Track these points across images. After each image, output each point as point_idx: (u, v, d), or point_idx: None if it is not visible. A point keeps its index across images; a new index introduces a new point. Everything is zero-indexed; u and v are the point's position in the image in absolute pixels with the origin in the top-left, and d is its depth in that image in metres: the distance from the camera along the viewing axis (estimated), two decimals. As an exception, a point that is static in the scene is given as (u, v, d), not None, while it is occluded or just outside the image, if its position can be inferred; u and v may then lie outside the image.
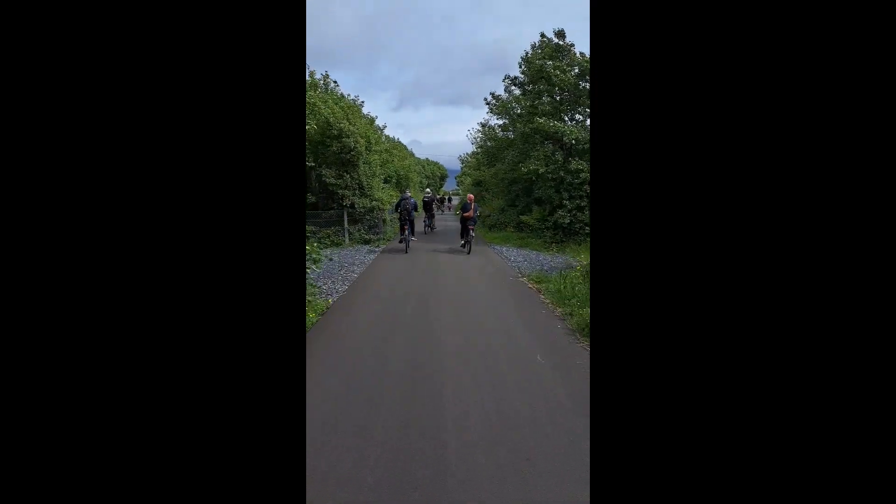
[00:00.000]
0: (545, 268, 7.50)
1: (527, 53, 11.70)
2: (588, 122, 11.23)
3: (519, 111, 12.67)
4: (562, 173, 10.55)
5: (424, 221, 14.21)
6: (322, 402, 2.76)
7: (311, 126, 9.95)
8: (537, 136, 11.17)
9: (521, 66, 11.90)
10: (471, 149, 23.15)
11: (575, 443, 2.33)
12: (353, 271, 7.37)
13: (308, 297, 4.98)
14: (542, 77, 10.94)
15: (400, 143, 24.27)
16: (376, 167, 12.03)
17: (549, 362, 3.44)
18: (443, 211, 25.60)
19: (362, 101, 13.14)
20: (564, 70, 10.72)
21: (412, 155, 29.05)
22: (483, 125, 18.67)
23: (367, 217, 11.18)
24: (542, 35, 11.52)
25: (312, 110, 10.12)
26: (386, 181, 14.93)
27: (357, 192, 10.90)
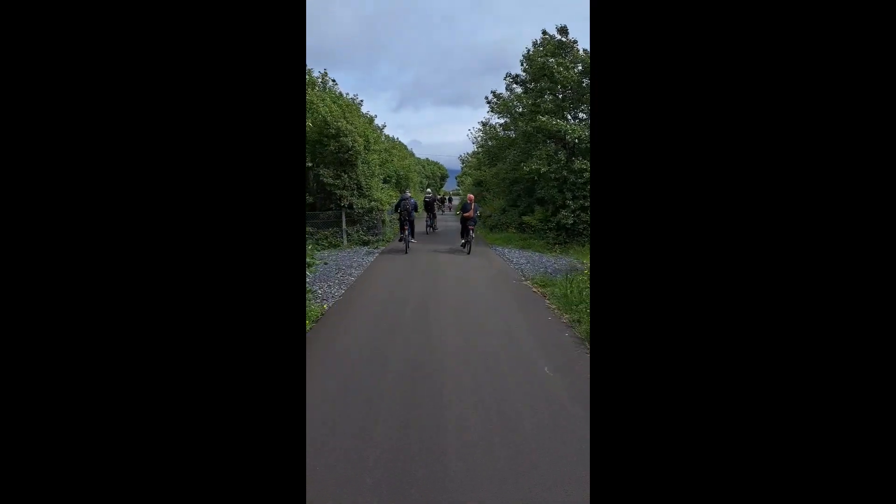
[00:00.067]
0: (549, 270, 7.31)
1: (528, 51, 11.51)
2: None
3: (521, 109, 12.48)
4: (565, 173, 10.40)
5: (426, 222, 14.23)
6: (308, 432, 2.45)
7: (308, 125, 9.72)
8: (539, 135, 10.99)
9: (522, 64, 11.72)
10: (471, 148, 22.99)
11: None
12: (350, 274, 7.18)
13: (301, 303, 4.71)
14: (545, 74, 10.78)
15: (400, 142, 24.09)
16: (375, 167, 11.88)
17: (559, 376, 3.16)
18: (443, 211, 25.46)
19: (361, 100, 12.92)
20: (568, 67, 10.49)
21: (412, 155, 28.90)
22: (484, 124, 18.47)
23: (366, 218, 11.04)
24: (544, 32, 11.32)
25: (310, 108, 9.94)
26: (385, 181, 14.82)
27: (355, 192, 10.75)
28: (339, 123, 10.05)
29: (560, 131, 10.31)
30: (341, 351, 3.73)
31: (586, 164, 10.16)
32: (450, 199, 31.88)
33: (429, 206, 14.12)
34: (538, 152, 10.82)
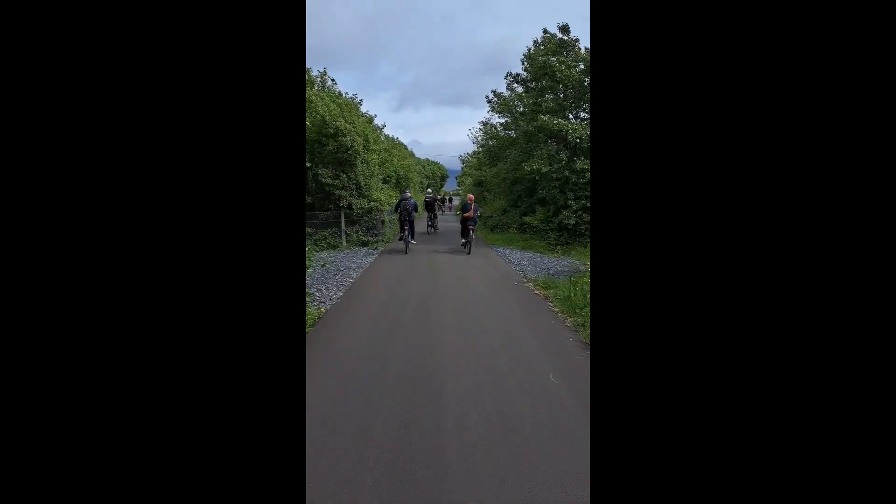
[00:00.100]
0: (551, 272, 7.21)
1: (529, 50, 11.36)
2: (594, 119, 10.87)
3: (521, 109, 12.34)
4: (566, 173, 10.28)
5: (428, 222, 14.29)
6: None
7: (306, 124, 9.57)
8: (541, 135, 10.86)
9: (523, 63, 11.60)
10: (471, 148, 22.88)
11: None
12: (349, 276, 7.07)
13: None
14: (546, 73, 10.65)
15: (400, 142, 23.96)
16: (375, 167, 11.80)
17: (565, 384, 3.02)
18: (444, 211, 25.38)
19: (360, 100, 12.80)
20: (569, 65, 10.35)
21: (412, 155, 28.77)
22: (485, 123, 18.33)
23: (366, 218, 10.89)
24: (545, 31, 11.20)
25: (308, 107, 9.82)
26: (385, 181, 14.73)
27: (354, 192, 10.66)
28: (338, 123, 9.99)
29: (562, 131, 10.24)
30: (341, 351, 3.68)
31: (588, 164, 10.03)
32: (450, 200, 31.75)
33: (430, 207, 14.19)
34: (539, 152, 10.77)
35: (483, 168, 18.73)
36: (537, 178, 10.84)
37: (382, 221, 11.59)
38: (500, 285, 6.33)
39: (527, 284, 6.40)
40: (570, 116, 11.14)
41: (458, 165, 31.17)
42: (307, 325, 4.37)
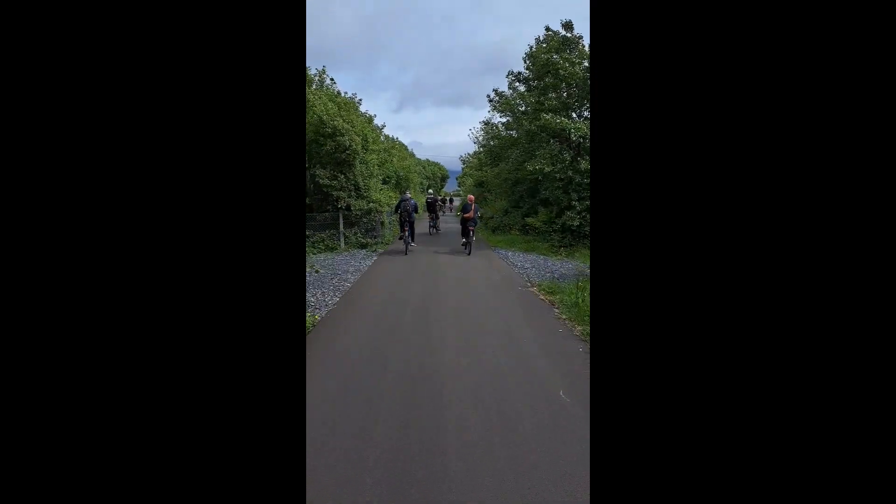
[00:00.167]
0: (556, 275, 7.02)
1: (531, 48, 11.12)
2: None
3: (523, 108, 12.09)
4: (570, 173, 10.08)
5: (429, 223, 14.35)
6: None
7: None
8: (543, 134, 10.62)
9: (525, 61, 11.36)
10: (472, 149, 22.66)
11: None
12: (346, 280, 6.86)
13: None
14: (549, 71, 10.43)
15: (400, 143, 23.75)
16: (374, 167, 11.64)
17: (576, 400, 2.76)
18: (444, 212, 25.20)
19: (360, 99, 12.59)
20: (573, 63, 10.09)
21: (412, 155, 28.56)
22: (486, 123, 18.03)
23: (364, 220, 10.67)
24: (548, 28, 10.98)
25: (306, 107, 9.50)
26: (385, 182, 14.54)
27: (353, 193, 10.50)
28: (336, 122, 9.87)
29: (565, 130, 10.09)
30: (335, 360, 3.54)
31: (592, 164, 9.80)
32: (451, 200, 31.54)
33: (431, 207, 14.27)
34: (542, 151, 10.66)
35: (484, 168, 18.54)
36: (540, 178, 10.74)
37: (382, 223, 11.45)
38: (503, 291, 6.13)
39: (531, 289, 6.20)
40: (574, 115, 10.93)
41: (458, 166, 31.03)
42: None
